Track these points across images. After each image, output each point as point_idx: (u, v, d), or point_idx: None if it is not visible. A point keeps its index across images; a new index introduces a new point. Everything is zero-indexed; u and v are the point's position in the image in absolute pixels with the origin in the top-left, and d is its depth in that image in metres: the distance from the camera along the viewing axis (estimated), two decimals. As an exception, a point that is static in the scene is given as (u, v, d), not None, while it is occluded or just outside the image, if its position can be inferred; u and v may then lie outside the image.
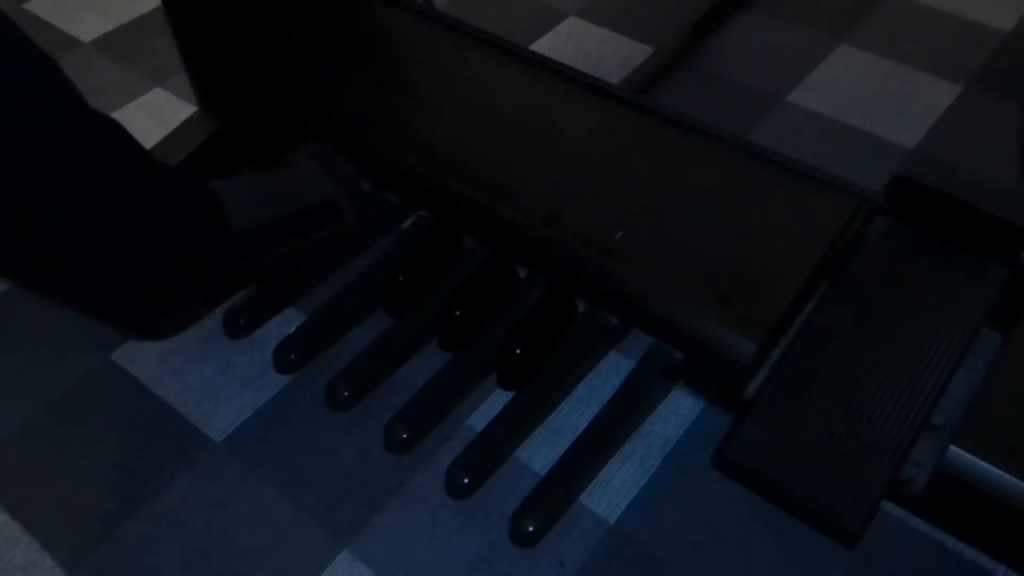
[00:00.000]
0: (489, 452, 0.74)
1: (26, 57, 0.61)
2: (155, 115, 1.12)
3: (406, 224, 0.92)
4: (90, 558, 0.71)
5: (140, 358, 0.84)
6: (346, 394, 0.78)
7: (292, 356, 0.82)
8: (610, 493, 0.73)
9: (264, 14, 0.96)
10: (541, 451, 0.76)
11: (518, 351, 0.77)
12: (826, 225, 0.77)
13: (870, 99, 1.10)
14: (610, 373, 0.81)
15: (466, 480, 0.72)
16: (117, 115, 1.09)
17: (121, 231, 0.68)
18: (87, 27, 1.27)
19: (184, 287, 0.76)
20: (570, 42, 1.21)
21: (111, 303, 0.72)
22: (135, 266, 0.69)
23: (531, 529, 0.69)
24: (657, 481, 0.74)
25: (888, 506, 0.71)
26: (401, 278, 0.84)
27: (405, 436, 0.75)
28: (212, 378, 0.82)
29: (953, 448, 0.64)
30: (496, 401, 0.79)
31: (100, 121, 0.67)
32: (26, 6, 1.31)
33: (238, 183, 0.82)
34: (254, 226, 0.78)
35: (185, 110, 1.10)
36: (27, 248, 0.64)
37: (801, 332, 0.73)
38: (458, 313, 0.80)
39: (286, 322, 0.86)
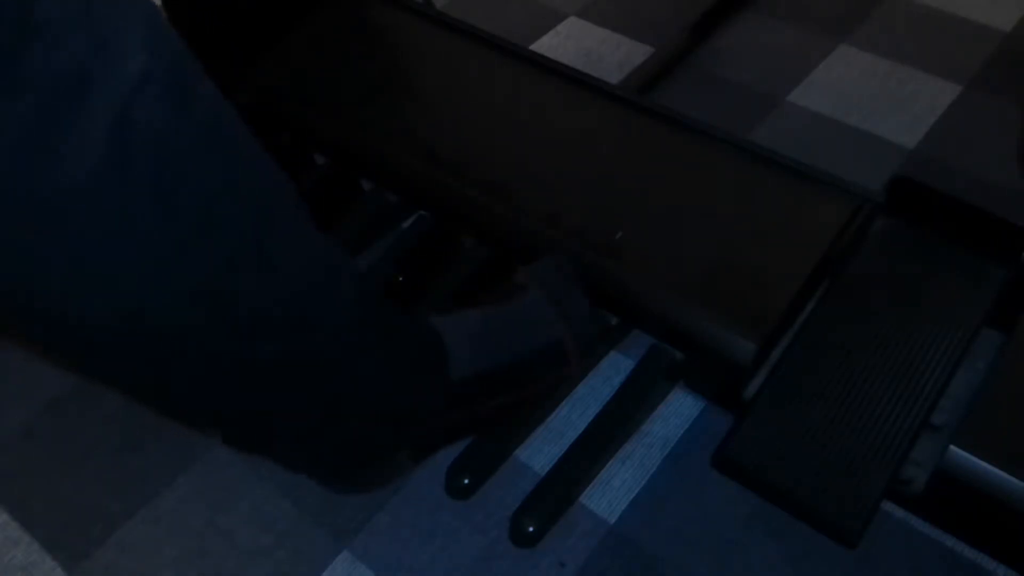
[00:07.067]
0: (489, 453, 0.74)
1: (255, 172, 0.49)
2: (155, 115, 1.11)
3: (406, 224, 0.92)
4: (90, 558, 0.71)
5: (140, 358, 0.84)
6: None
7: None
8: (610, 493, 0.73)
9: (264, 14, 0.96)
10: (541, 451, 0.76)
11: (518, 351, 0.77)
12: (826, 225, 0.77)
13: (870, 99, 1.10)
14: (610, 373, 0.81)
15: (466, 480, 0.72)
16: (117, 115, 1.11)
17: (333, 379, 0.58)
18: (87, 27, 1.27)
19: (392, 441, 0.67)
20: (570, 42, 1.21)
21: (308, 456, 0.66)
22: (342, 418, 0.61)
23: (531, 529, 0.69)
24: (657, 481, 0.74)
25: (888, 506, 0.71)
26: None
27: (405, 436, 0.75)
28: (212, 378, 0.82)
29: (953, 448, 0.64)
30: (496, 401, 0.79)
31: (325, 253, 0.55)
32: (26, 6, 1.31)
33: (459, 321, 0.70)
34: (474, 374, 0.68)
35: (185, 110, 1.09)
36: (219, 399, 0.55)
37: (801, 332, 0.73)
38: None
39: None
